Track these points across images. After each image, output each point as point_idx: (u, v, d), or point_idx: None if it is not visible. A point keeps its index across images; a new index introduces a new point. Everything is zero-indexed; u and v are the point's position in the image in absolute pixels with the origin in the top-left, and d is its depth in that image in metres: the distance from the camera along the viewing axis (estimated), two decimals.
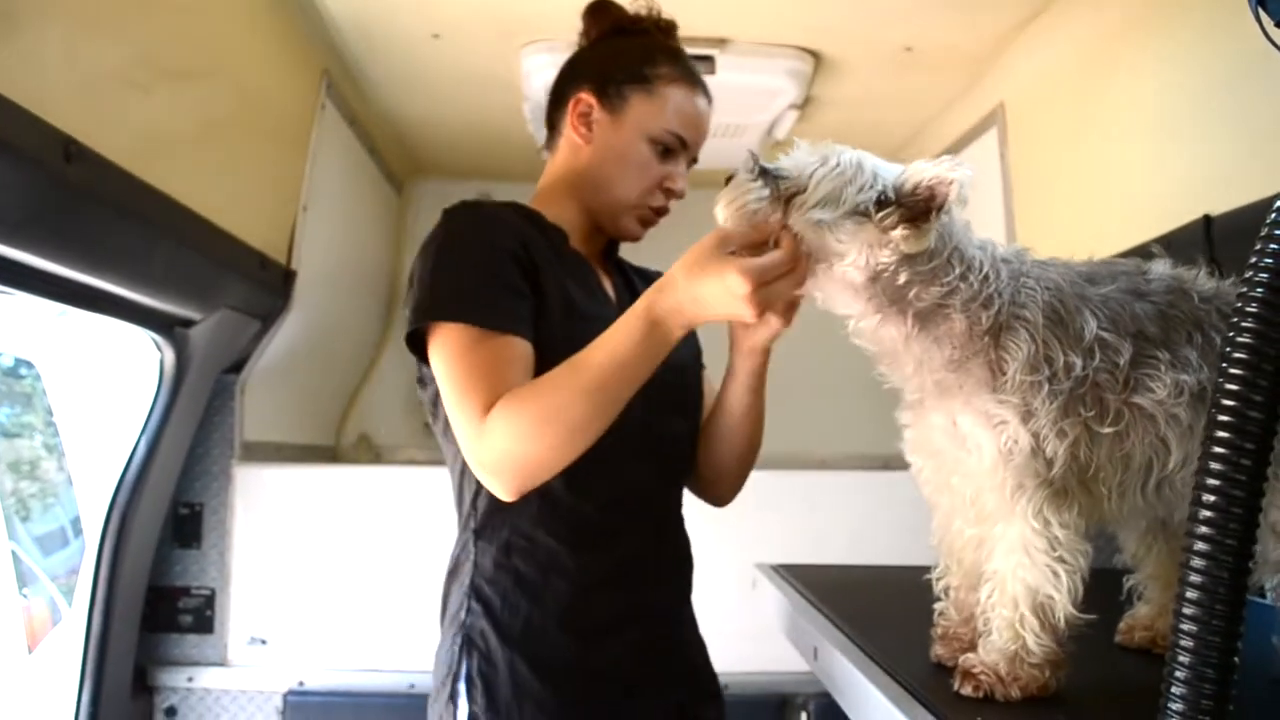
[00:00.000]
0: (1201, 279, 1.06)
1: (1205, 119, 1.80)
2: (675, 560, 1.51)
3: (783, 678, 2.64)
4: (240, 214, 2.26)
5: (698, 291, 1.16)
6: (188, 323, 2.33)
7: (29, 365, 3.22)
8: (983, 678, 0.98)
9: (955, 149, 2.94)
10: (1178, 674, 0.68)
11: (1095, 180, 2.23)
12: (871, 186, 1.02)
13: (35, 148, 1.46)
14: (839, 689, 1.21)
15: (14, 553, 2.88)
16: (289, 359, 2.90)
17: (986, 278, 1.01)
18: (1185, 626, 0.68)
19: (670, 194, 1.52)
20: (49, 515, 3.25)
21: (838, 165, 1.04)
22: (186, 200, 1.95)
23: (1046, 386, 0.97)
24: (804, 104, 2.75)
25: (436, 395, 1.34)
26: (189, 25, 1.93)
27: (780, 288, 1.11)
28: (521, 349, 1.29)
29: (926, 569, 1.16)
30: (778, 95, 2.64)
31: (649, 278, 1.62)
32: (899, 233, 1.00)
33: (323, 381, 3.44)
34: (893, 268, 1.01)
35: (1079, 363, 0.97)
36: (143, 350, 2.41)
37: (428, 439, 3.82)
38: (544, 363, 1.28)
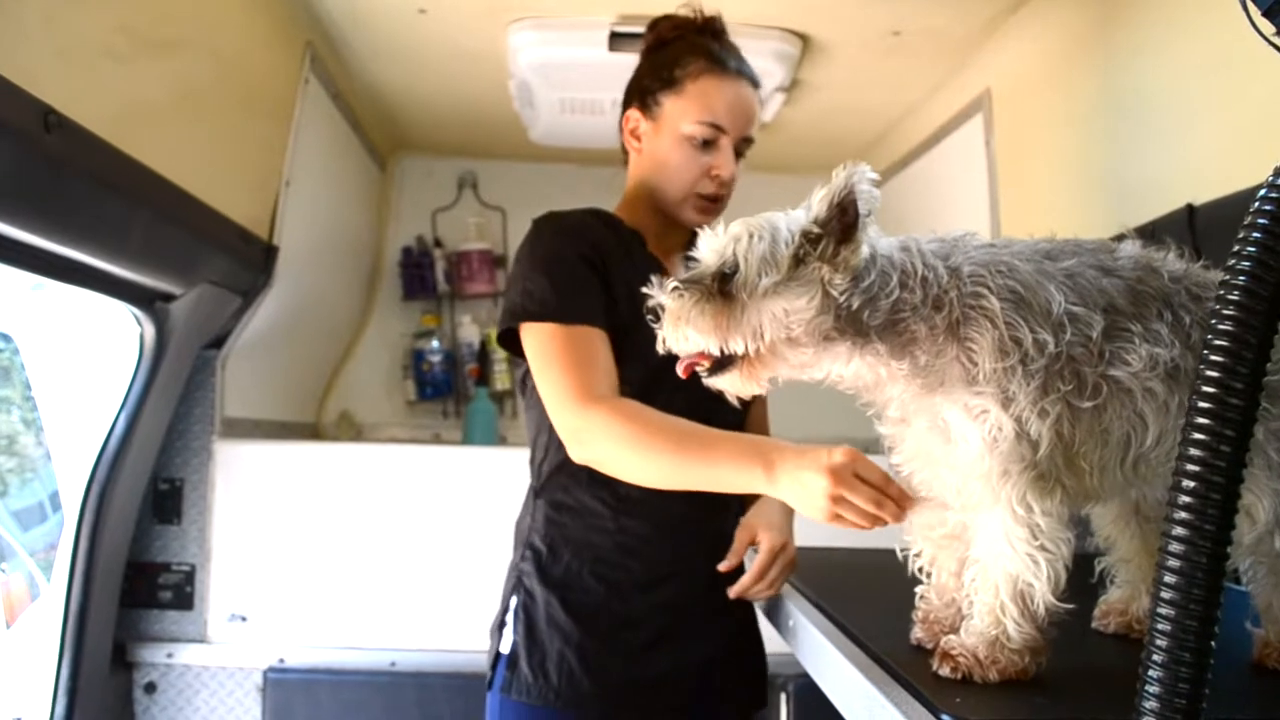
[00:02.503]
0: (1171, 259, 1.07)
1: (1190, 108, 1.81)
2: (715, 534, 1.61)
3: None
4: (222, 188, 2.24)
5: (798, 482, 1.24)
6: (168, 297, 2.31)
7: (6, 339, 3.19)
8: (961, 660, 0.99)
9: (940, 135, 2.95)
10: (1155, 658, 0.69)
11: (1080, 168, 2.24)
12: (791, 233, 1.02)
13: (14, 117, 1.44)
14: (818, 669, 1.22)
15: None
16: (270, 335, 2.88)
17: (925, 280, 1.00)
18: (1163, 610, 0.69)
19: (719, 180, 1.63)
20: (27, 490, 3.22)
21: (752, 234, 1.03)
22: (167, 173, 1.93)
23: (1021, 369, 0.96)
24: (790, 87, 2.74)
25: (526, 373, 1.58)
26: None
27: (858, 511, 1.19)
28: (595, 335, 1.51)
29: (903, 552, 1.17)
30: (765, 78, 2.62)
31: None
32: (843, 254, 1.00)
33: (304, 358, 3.43)
34: (847, 295, 1.00)
35: (1050, 339, 0.96)
36: (123, 325, 2.39)
37: (409, 416, 3.84)
38: (615, 344, 1.52)
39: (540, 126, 3.04)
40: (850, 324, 1.01)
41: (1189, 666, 0.68)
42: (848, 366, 1.04)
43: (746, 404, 1.59)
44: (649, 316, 1.08)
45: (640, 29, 1.80)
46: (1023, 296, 0.98)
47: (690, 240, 1.61)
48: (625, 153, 1.75)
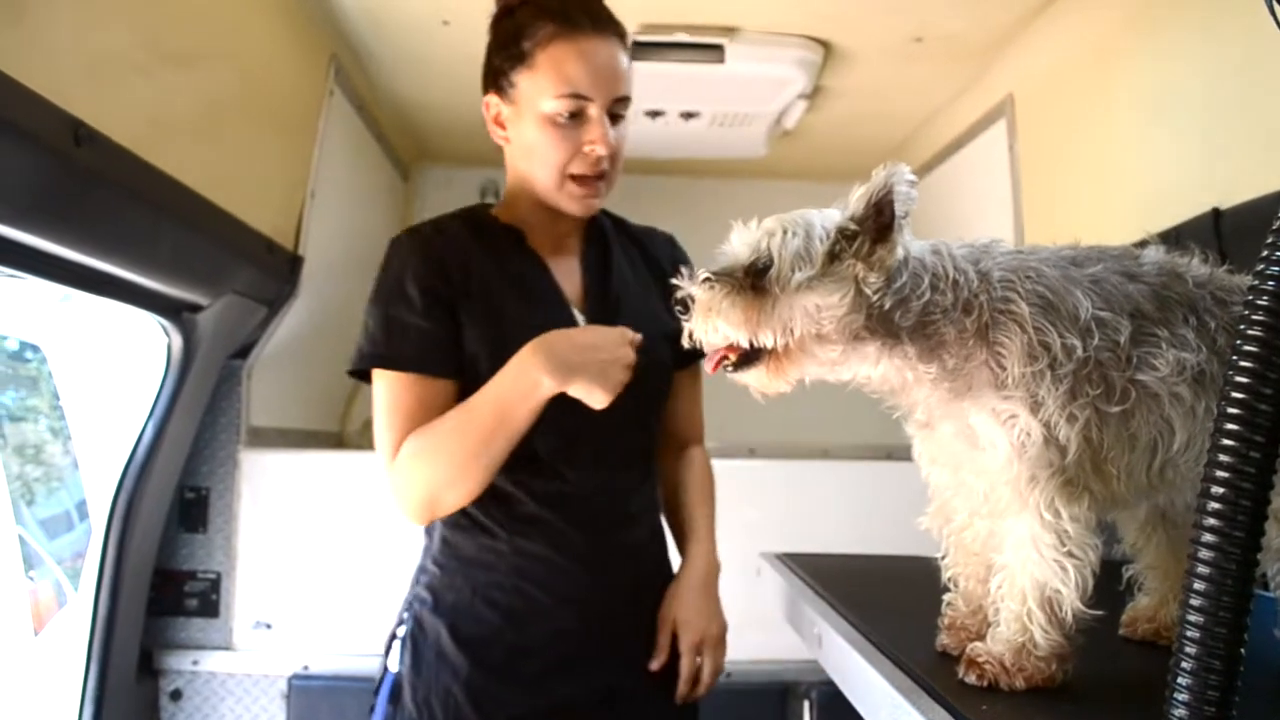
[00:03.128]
0: (1195, 264, 1.06)
1: (1215, 111, 1.79)
2: (623, 554, 1.53)
3: (786, 666, 2.66)
4: (248, 199, 2.26)
5: (589, 336, 1.37)
6: (195, 308, 2.33)
7: (35, 349, 3.23)
8: (988, 667, 0.98)
9: (963, 140, 2.94)
10: (1184, 665, 0.68)
11: (1104, 172, 2.22)
12: (825, 230, 1.02)
13: (44, 131, 1.46)
14: (843, 677, 1.21)
15: (20, 536, 2.89)
16: (295, 344, 2.90)
17: (956, 283, 1.00)
18: (1192, 618, 0.68)
19: (594, 157, 1.47)
20: (53, 499, 3.26)
21: (786, 229, 1.02)
22: (194, 184, 1.95)
23: (1049, 373, 0.96)
24: (813, 94, 2.74)
25: None
26: (196, 8, 1.92)
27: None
28: (419, 385, 1.43)
29: (930, 559, 1.16)
30: (787, 85, 2.63)
31: (638, 236, 1.67)
32: (879, 253, 1.00)
33: (329, 367, 3.43)
34: (880, 294, 1.00)
35: (1078, 344, 0.96)
36: (150, 335, 2.41)
37: None
38: (475, 373, 1.43)
39: None
40: (881, 324, 1.01)
41: (1218, 674, 0.67)
42: (876, 368, 1.04)
43: (657, 413, 1.59)
44: (677, 308, 1.05)
45: (663, 38, 1.78)
46: (1051, 302, 0.98)
47: (587, 230, 1.60)
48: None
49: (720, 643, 1.57)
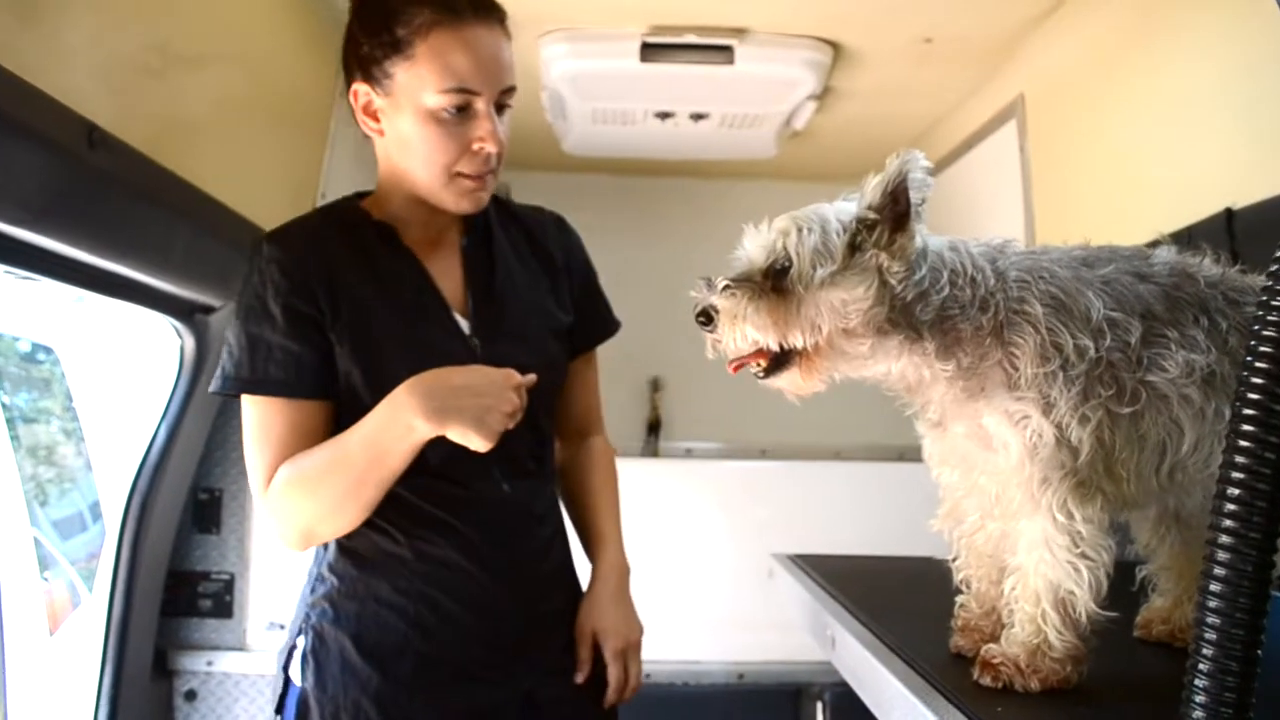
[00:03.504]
0: (1206, 264, 1.06)
1: (1227, 111, 1.79)
2: (529, 554, 1.47)
3: (798, 667, 2.65)
4: (260, 201, 2.27)
5: (468, 376, 1.29)
6: (207, 309, 2.34)
7: (47, 350, 3.24)
8: (1002, 669, 0.98)
9: (974, 141, 2.93)
10: (1201, 666, 0.68)
11: (1115, 173, 2.22)
12: (841, 223, 1.02)
13: (59, 133, 1.47)
14: (857, 678, 1.21)
15: (35, 537, 2.90)
16: None
17: (974, 280, 1.00)
18: (1209, 619, 0.68)
19: (484, 155, 1.38)
20: (65, 500, 3.27)
21: (801, 227, 1.02)
22: (206, 186, 1.96)
23: (1061, 374, 0.96)
24: (822, 95, 2.74)
25: None
26: (207, 11, 1.93)
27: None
28: (300, 410, 1.35)
29: (941, 560, 1.16)
30: (796, 86, 2.63)
31: (523, 220, 1.59)
32: (899, 240, 1.00)
33: None
34: (903, 285, 1.00)
35: (1090, 345, 0.96)
36: (163, 336, 2.42)
37: None
38: (350, 389, 1.36)
39: (572, 137, 3.05)
40: (904, 316, 1.01)
41: (1235, 675, 0.67)
42: (897, 363, 1.04)
43: (548, 411, 1.53)
44: (699, 319, 1.03)
45: (673, 40, 1.74)
46: (1063, 302, 0.98)
47: (467, 219, 1.49)
48: (366, 133, 1.48)
49: (639, 647, 1.54)
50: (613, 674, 1.50)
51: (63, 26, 1.48)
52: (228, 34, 2.04)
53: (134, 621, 2.44)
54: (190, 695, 2.74)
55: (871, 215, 1.01)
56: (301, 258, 1.37)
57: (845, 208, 1.04)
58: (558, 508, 1.58)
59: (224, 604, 2.75)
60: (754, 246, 1.05)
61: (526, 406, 1.36)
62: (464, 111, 1.34)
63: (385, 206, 1.45)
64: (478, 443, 1.29)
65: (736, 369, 1.07)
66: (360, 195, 1.52)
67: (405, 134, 1.36)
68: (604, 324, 1.64)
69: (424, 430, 1.28)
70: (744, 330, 1.01)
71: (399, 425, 1.28)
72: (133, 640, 2.44)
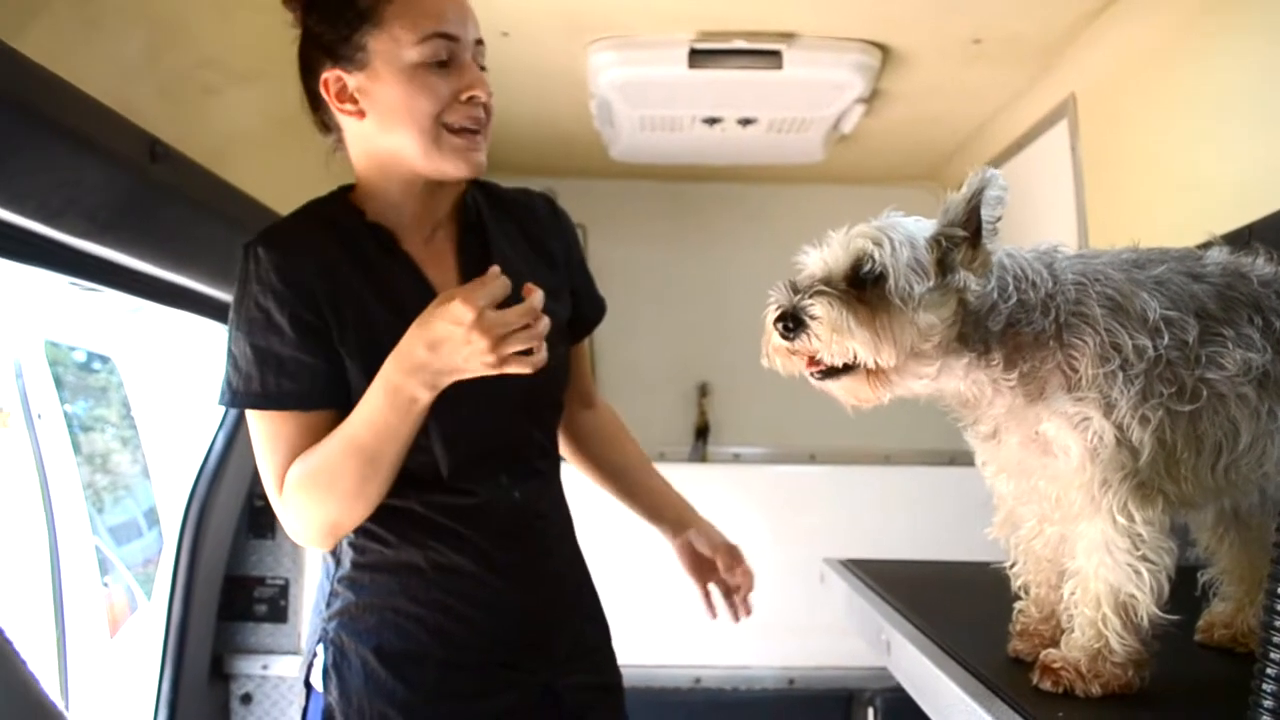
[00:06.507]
0: (1260, 264, 1.05)
1: None
2: (540, 552, 1.47)
3: (850, 672, 2.64)
4: None
5: (432, 335, 1.21)
6: None
7: (104, 360, 3.32)
8: (1063, 673, 0.97)
9: (1024, 141, 2.90)
10: (1269, 671, 0.67)
11: (1170, 172, 2.19)
12: (926, 239, 1.01)
13: (123, 148, 1.51)
14: (914, 683, 1.21)
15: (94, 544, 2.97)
16: None
17: (1034, 284, 1.01)
18: (1276, 623, 0.67)
19: (473, 102, 1.35)
20: (120, 507, 3.34)
21: (894, 239, 1.00)
22: (263, 198, 2.00)
23: (1121, 374, 0.96)
24: (871, 98, 2.73)
25: None
26: (259, 30, 1.96)
27: (512, 332, 1.19)
28: (313, 417, 1.32)
29: (995, 565, 1.16)
30: (845, 89, 2.62)
31: (512, 206, 1.58)
32: (980, 256, 1.00)
33: None
34: (979, 299, 1.00)
35: (1148, 344, 0.96)
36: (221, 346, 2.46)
37: None
38: (358, 393, 1.30)
39: (620, 144, 3.07)
40: (975, 330, 1.01)
41: None
42: (962, 382, 1.03)
43: (556, 409, 1.52)
44: (782, 324, 1.00)
45: (721, 45, 1.74)
46: (1119, 303, 0.98)
47: (461, 214, 1.46)
48: (331, 135, 1.46)
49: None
50: (744, 583, 1.60)
51: (123, 42, 1.52)
52: (276, 50, 2.07)
53: (192, 626, 2.49)
54: (246, 699, 2.79)
55: (960, 232, 1.00)
56: (300, 263, 1.34)
57: (924, 225, 1.03)
58: (563, 500, 1.57)
59: (279, 609, 2.79)
60: (836, 251, 1.03)
61: (533, 408, 1.41)
62: (446, 66, 1.32)
63: (375, 202, 1.41)
64: (512, 370, 1.24)
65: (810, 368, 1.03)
66: (346, 189, 1.48)
67: (389, 99, 1.32)
68: (599, 307, 1.65)
69: (429, 397, 1.26)
70: (848, 345, 0.98)
71: (402, 399, 1.25)
72: (191, 644, 2.49)
